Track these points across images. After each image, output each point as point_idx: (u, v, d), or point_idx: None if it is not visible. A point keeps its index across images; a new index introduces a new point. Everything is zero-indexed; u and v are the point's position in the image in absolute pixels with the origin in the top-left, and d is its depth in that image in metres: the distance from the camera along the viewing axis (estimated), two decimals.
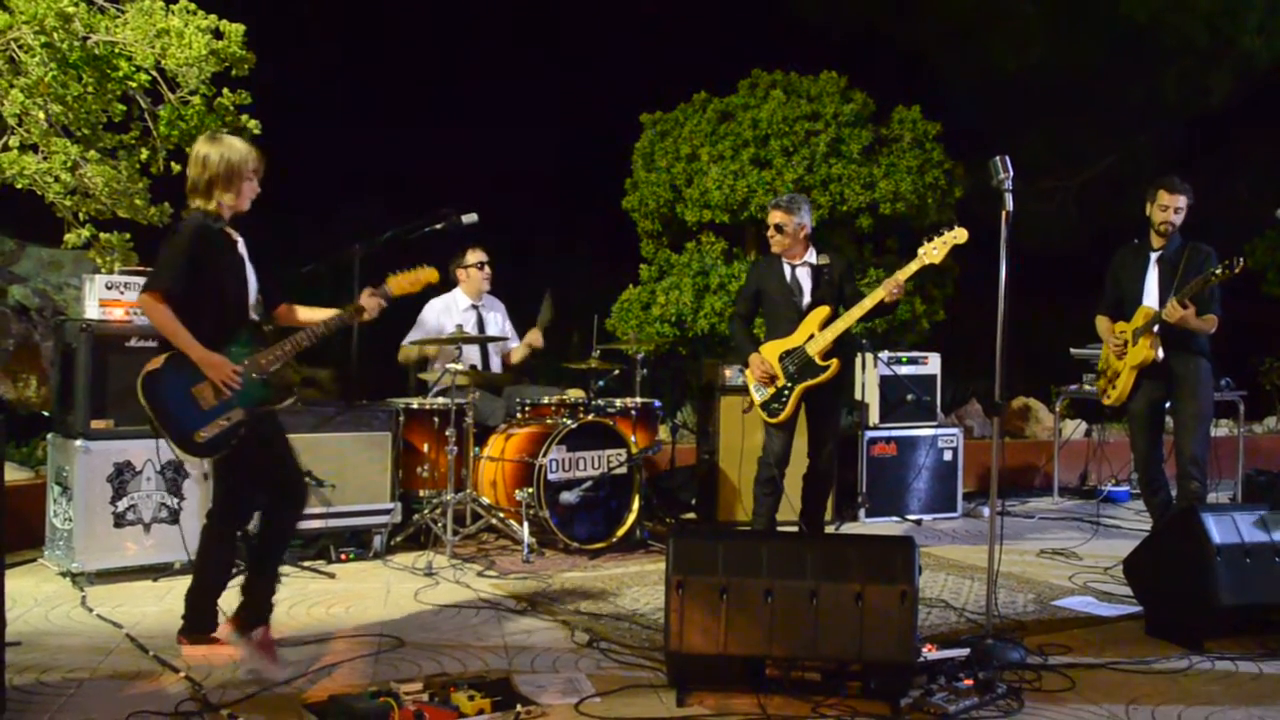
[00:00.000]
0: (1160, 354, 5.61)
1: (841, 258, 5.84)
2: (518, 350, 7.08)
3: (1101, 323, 6.01)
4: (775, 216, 5.64)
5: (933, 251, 5.32)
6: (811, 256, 5.71)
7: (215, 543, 4.14)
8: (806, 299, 5.65)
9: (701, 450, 7.12)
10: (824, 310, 5.56)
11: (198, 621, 4.10)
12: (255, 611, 4.02)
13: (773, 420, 5.62)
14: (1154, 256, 5.76)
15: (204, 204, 3.99)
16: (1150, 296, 5.73)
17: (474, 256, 6.90)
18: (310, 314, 4.32)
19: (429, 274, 4.44)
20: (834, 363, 5.50)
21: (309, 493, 4.47)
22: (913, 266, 5.38)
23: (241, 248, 4.10)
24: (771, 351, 5.64)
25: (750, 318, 5.88)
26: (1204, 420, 5.68)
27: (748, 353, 5.68)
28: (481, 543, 6.29)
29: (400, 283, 4.38)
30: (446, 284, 6.83)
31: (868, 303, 5.42)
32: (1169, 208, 5.67)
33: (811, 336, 5.53)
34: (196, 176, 3.99)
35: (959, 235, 5.28)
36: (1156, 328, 5.59)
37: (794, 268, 5.70)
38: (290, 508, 4.16)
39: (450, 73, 13.70)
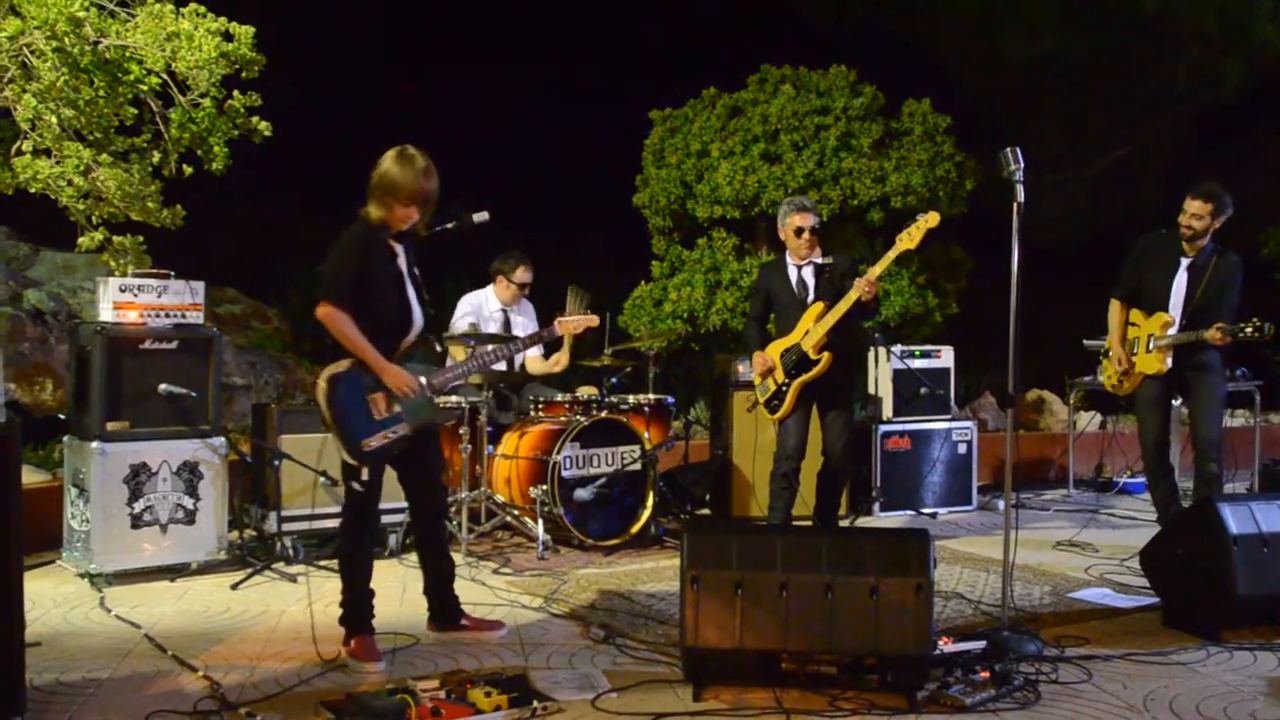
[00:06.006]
0: (1169, 362, 5.68)
1: (846, 256, 5.83)
2: (535, 363, 6.97)
3: (1114, 309, 5.98)
4: (806, 219, 5.63)
5: (907, 237, 5.31)
6: (817, 256, 5.72)
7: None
8: (811, 298, 5.66)
9: (715, 446, 7.13)
10: (819, 306, 5.56)
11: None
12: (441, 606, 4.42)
13: (773, 416, 5.68)
14: (1185, 263, 5.73)
15: (376, 211, 4.09)
16: (1175, 304, 5.72)
17: (521, 275, 6.74)
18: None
19: (591, 320, 5.04)
20: (825, 356, 5.48)
21: (445, 504, 4.65)
22: (890, 255, 5.35)
23: (401, 262, 4.17)
24: (774, 350, 5.68)
25: (762, 318, 5.88)
26: (1219, 403, 5.75)
27: (753, 351, 5.73)
28: (496, 540, 6.31)
29: (566, 326, 4.87)
30: (484, 278, 6.84)
31: (848, 300, 5.40)
32: (1186, 212, 5.69)
33: (807, 332, 5.55)
34: (372, 184, 4.09)
35: (931, 219, 5.25)
36: (1173, 333, 5.62)
37: (800, 268, 5.71)
38: (426, 520, 4.39)
39: (459, 71, 13.72)
